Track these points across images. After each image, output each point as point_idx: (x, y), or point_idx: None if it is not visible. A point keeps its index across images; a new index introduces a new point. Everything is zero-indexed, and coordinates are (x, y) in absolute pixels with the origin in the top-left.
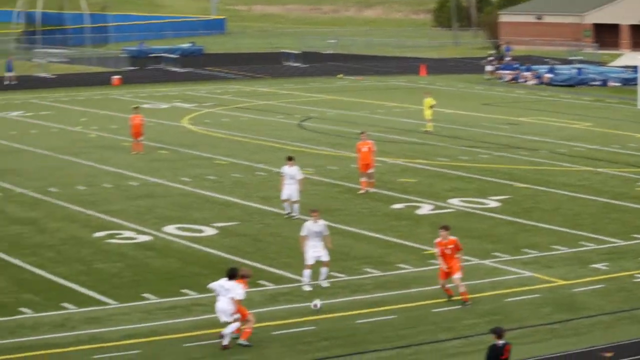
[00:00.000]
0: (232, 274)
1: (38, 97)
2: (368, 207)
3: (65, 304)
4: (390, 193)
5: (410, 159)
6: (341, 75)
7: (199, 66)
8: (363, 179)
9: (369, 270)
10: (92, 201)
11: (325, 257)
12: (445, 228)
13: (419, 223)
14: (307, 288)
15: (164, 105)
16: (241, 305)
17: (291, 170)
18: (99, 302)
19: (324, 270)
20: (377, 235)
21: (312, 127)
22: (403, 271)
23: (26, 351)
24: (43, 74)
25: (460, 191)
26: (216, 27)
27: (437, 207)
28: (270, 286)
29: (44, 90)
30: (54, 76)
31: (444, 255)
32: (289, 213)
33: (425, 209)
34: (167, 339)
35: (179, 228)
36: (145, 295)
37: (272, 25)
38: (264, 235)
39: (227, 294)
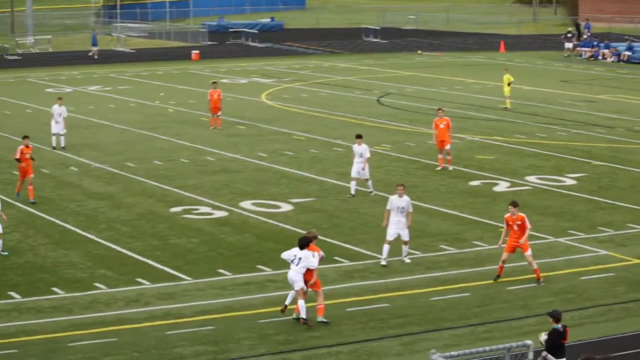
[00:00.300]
0: (304, 243)
1: (117, 72)
2: (445, 183)
3: (140, 280)
4: (467, 170)
5: (488, 135)
6: (420, 52)
7: (279, 41)
8: (440, 156)
9: (444, 247)
10: (169, 176)
11: (405, 236)
12: (514, 204)
13: (495, 200)
14: (383, 263)
15: (243, 81)
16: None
17: (360, 148)
18: (174, 278)
19: (404, 248)
20: (454, 212)
21: (391, 103)
22: (478, 248)
23: (100, 326)
24: (122, 49)
25: (537, 168)
26: (296, 2)
27: (514, 185)
28: (345, 262)
29: (122, 65)
30: (132, 51)
31: (511, 230)
32: (352, 195)
33: (502, 186)
34: (241, 315)
35: (255, 204)
36: (220, 271)
37: (352, 0)
38: (339, 212)
39: (300, 263)
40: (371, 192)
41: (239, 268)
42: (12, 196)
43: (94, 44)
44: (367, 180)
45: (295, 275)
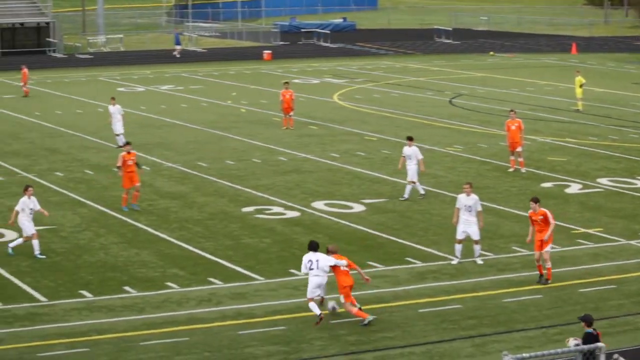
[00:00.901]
0: (316, 245)
1: (188, 71)
2: (517, 185)
3: (212, 279)
4: (539, 172)
5: (560, 137)
6: (492, 53)
7: (351, 42)
8: (512, 157)
9: (516, 248)
10: (241, 176)
11: (475, 235)
12: (535, 200)
13: (567, 202)
14: (454, 262)
15: (315, 81)
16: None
17: (411, 150)
18: (246, 278)
19: (476, 248)
20: (525, 214)
21: (462, 104)
22: (550, 250)
23: (172, 326)
24: (193, 48)
25: (609, 170)
26: (368, 2)
27: (586, 187)
28: (418, 264)
29: (194, 64)
30: (204, 50)
31: (537, 226)
32: (406, 198)
33: (574, 188)
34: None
35: (327, 204)
36: (292, 271)
37: (424, 1)
38: (411, 213)
39: (320, 264)
40: (422, 194)
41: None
42: (84, 194)
43: (177, 42)
44: (414, 183)
45: (322, 279)
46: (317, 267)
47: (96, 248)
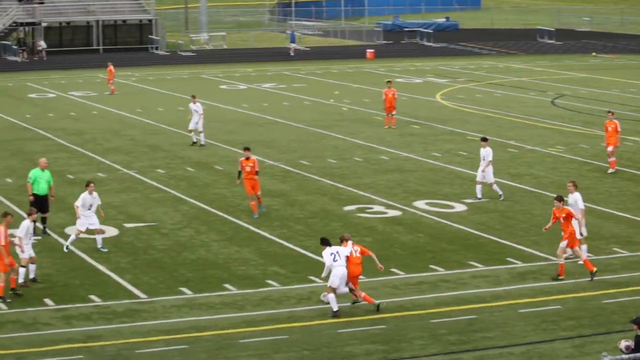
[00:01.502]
0: (329, 241)
1: (291, 70)
2: (617, 186)
3: (313, 277)
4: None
5: None
6: (595, 54)
7: (453, 41)
8: (611, 159)
9: (616, 250)
10: (343, 174)
11: (581, 233)
12: (559, 199)
13: None
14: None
15: (418, 80)
16: None
17: (484, 152)
18: None
19: (583, 248)
20: (626, 215)
21: (565, 105)
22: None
23: (271, 324)
24: (296, 46)
25: None
26: (471, 2)
27: None
28: (518, 264)
29: (296, 63)
30: (307, 48)
31: (562, 225)
32: (479, 199)
33: None
34: (413, 314)
35: (428, 203)
36: (393, 270)
37: (527, 1)
38: (512, 213)
39: (341, 255)
40: (500, 194)
41: (412, 267)
42: (185, 192)
43: (292, 41)
44: (491, 184)
45: (345, 269)
46: (340, 257)
47: (197, 245)
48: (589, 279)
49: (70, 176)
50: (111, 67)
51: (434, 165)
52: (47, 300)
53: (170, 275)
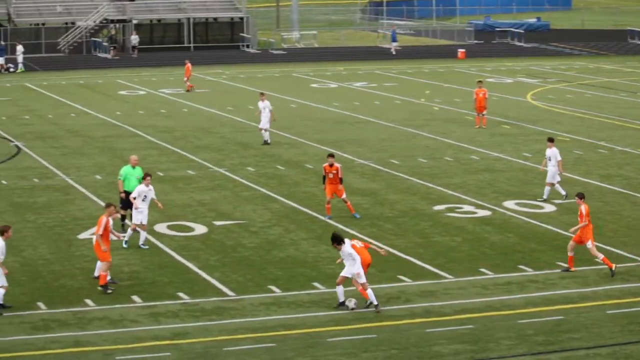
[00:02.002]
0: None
1: (382, 69)
2: None
3: (402, 277)
4: None
5: None
6: None
7: (544, 41)
8: None
9: None
10: (433, 174)
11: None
12: (580, 196)
13: None
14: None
15: (508, 80)
16: None
17: (550, 152)
18: (435, 276)
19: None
20: None
21: None
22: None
23: (360, 322)
24: (387, 46)
25: None
26: (562, 2)
27: None
28: (605, 265)
29: (388, 62)
30: (398, 48)
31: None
32: (544, 199)
33: None
34: (501, 314)
35: (518, 203)
36: (482, 270)
37: (618, 2)
38: (602, 214)
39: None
40: (564, 194)
41: (501, 267)
42: (275, 189)
43: (394, 39)
44: (553, 184)
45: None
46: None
47: (286, 243)
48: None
49: (160, 173)
50: (189, 65)
51: (524, 166)
52: (135, 297)
53: (259, 273)
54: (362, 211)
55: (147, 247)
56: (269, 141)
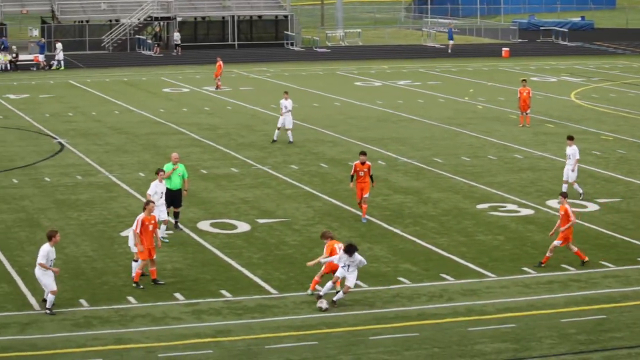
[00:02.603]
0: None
1: (426, 67)
2: None
3: (444, 275)
4: None
5: None
6: None
7: (588, 40)
8: None
9: None
10: (476, 172)
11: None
12: (563, 195)
13: None
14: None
15: (552, 79)
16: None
17: (570, 150)
18: (478, 274)
19: None
20: None
21: None
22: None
23: (402, 321)
24: (432, 44)
25: None
26: (606, 1)
27: None
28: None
29: (432, 60)
30: (443, 46)
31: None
32: (582, 194)
33: None
34: (543, 314)
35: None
36: (525, 269)
37: None
38: None
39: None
40: (580, 194)
41: (544, 266)
42: (318, 188)
43: (450, 38)
44: (573, 183)
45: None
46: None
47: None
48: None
49: (204, 171)
50: (220, 63)
51: None
52: (178, 295)
53: (302, 271)
54: (406, 209)
55: (167, 240)
56: (291, 139)
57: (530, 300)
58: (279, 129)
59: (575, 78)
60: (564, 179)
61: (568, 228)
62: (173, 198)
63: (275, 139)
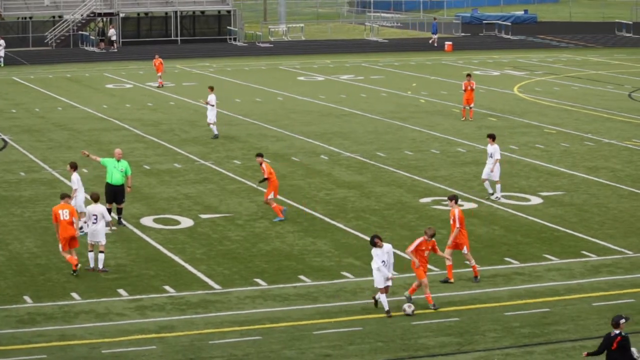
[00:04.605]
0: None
1: (368, 61)
2: None
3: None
4: None
5: None
6: None
7: (532, 34)
8: None
9: None
10: (419, 166)
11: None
12: (451, 198)
13: None
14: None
15: (495, 73)
16: None
17: (490, 149)
18: None
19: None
20: None
21: None
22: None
23: (345, 315)
24: (374, 38)
25: None
26: None
27: None
28: (593, 257)
29: (375, 55)
30: (385, 40)
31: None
32: (491, 194)
33: None
34: (487, 307)
35: (504, 196)
36: (467, 262)
37: None
38: (588, 206)
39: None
40: (497, 196)
41: (487, 260)
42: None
43: (434, 31)
44: (496, 182)
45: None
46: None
47: (272, 236)
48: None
49: (147, 167)
50: (159, 60)
51: (510, 158)
52: (121, 291)
53: (245, 266)
54: (349, 204)
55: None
56: (216, 133)
57: (473, 293)
58: (209, 124)
59: (519, 72)
60: (483, 177)
61: (456, 233)
62: (115, 194)
63: (216, 133)
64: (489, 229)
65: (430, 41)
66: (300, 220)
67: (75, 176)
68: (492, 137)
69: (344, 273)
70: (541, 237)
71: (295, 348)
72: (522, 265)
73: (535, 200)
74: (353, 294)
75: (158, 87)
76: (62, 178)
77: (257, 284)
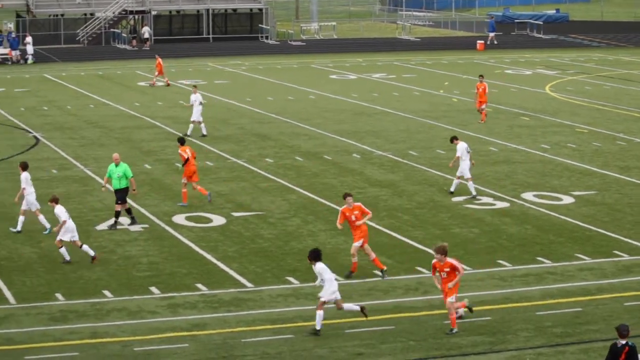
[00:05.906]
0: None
1: (401, 60)
2: None
3: (420, 268)
4: None
5: None
6: None
7: (564, 33)
8: None
9: None
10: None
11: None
12: (345, 195)
13: None
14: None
15: (527, 72)
16: None
17: (461, 147)
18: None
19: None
20: None
21: None
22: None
23: (378, 314)
24: (407, 37)
25: None
26: None
27: None
28: (625, 257)
29: (407, 53)
30: (417, 39)
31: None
32: (451, 192)
33: None
34: (519, 306)
35: (536, 195)
36: (500, 261)
37: None
38: (620, 206)
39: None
40: (474, 194)
41: (519, 259)
42: (294, 181)
43: (492, 29)
44: (468, 179)
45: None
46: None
47: (304, 235)
48: (381, 277)
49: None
50: (159, 60)
51: (542, 157)
52: (153, 289)
53: (277, 264)
54: (381, 202)
55: (46, 231)
56: (204, 132)
57: (506, 293)
58: (193, 122)
59: (550, 71)
60: (465, 175)
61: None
62: (119, 196)
63: (189, 133)
64: (521, 228)
65: (488, 40)
66: (333, 219)
67: (24, 175)
68: (456, 138)
69: (376, 272)
70: (573, 237)
71: (327, 346)
72: (554, 264)
73: (567, 199)
74: (385, 293)
75: (151, 85)
76: (94, 176)
77: (289, 282)
